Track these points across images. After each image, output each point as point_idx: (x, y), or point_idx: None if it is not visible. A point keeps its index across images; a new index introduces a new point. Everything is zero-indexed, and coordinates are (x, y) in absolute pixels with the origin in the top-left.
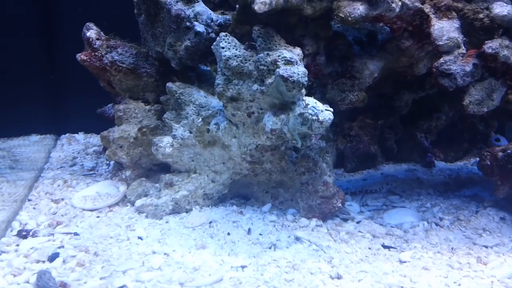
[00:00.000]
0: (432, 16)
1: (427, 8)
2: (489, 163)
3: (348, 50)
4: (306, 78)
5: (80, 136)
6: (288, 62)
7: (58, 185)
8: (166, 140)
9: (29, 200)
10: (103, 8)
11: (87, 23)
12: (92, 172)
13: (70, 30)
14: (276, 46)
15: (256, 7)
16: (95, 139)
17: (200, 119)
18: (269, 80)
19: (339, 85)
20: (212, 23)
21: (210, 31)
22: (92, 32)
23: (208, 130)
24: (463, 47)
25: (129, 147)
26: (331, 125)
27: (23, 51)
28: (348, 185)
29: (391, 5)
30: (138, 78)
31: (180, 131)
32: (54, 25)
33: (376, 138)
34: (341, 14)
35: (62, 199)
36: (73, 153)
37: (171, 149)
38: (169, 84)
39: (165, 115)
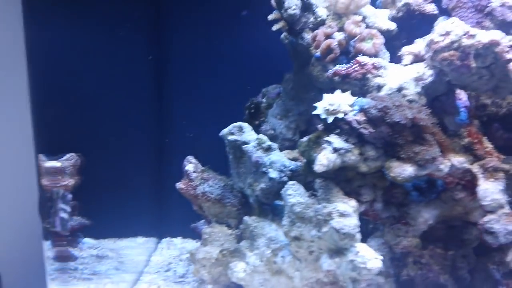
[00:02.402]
0: (480, 176)
1: (475, 169)
2: None
3: (405, 197)
4: (358, 229)
5: (178, 240)
6: (342, 214)
7: None
8: (240, 265)
9: None
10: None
11: (188, 157)
12: (182, 279)
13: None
14: (333, 198)
15: (315, 168)
16: (190, 244)
17: (270, 251)
18: (325, 229)
19: (395, 230)
20: (285, 169)
21: (282, 176)
22: (190, 165)
23: (275, 262)
24: (507, 207)
25: (211, 267)
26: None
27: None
28: None
29: (439, 166)
30: (223, 206)
31: (253, 259)
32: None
33: (447, 268)
34: (391, 174)
35: None
36: (169, 258)
37: (244, 274)
38: (245, 218)
39: (241, 243)
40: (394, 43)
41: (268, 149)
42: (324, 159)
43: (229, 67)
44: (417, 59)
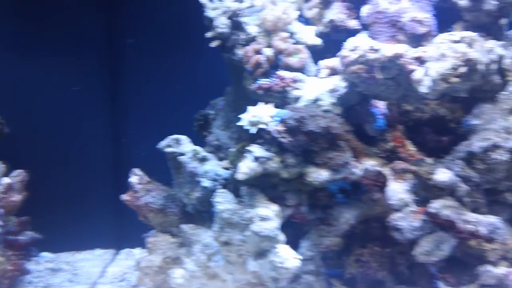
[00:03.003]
0: (390, 177)
1: (386, 171)
2: None
3: (330, 200)
4: (278, 232)
5: (137, 251)
6: (262, 219)
7: None
8: (178, 272)
9: None
10: None
11: (133, 169)
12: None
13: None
14: (257, 203)
15: (237, 176)
16: None
17: (205, 257)
18: (247, 233)
19: (318, 231)
20: (218, 178)
21: (216, 184)
22: (135, 178)
23: (210, 267)
24: (413, 206)
25: (154, 275)
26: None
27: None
28: None
29: (352, 170)
30: (166, 216)
31: (190, 265)
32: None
33: (386, 265)
34: (309, 179)
35: None
36: (125, 268)
37: (182, 280)
38: (182, 226)
39: (179, 250)
40: (326, 56)
41: (203, 160)
42: (245, 167)
43: (181, 80)
44: (333, 72)
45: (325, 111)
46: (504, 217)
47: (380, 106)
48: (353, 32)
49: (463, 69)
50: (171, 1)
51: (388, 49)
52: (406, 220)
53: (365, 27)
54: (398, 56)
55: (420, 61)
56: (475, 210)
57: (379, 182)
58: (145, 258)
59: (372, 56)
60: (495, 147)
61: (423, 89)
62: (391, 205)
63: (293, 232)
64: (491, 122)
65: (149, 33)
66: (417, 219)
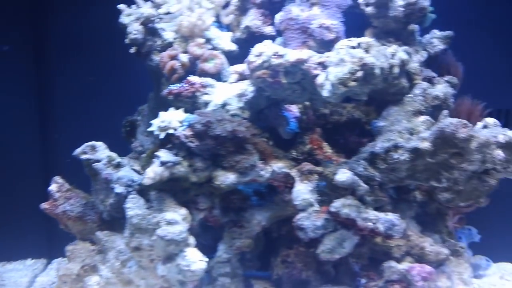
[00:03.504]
0: (297, 178)
1: (293, 172)
2: None
3: (244, 202)
4: (183, 235)
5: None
6: (169, 223)
7: None
8: (94, 279)
9: None
10: None
11: (54, 177)
12: None
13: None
14: (166, 208)
15: (144, 181)
16: None
17: (119, 263)
18: (154, 237)
19: (231, 233)
20: (133, 183)
21: (130, 190)
22: (54, 186)
23: (124, 273)
24: (316, 205)
25: (72, 283)
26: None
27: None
28: None
29: (259, 172)
30: (85, 223)
31: (105, 271)
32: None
33: (311, 264)
34: (216, 182)
35: None
36: (55, 277)
37: (97, 286)
38: (97, 233)
39: (95, 257)
40: (243, 62)
41: (118, 166)
42: (151, 172)
43: (111, 86)
44: (242, 77)
45: (233, 115)
46: (411, 215)
47: (293, 109)
48: (269, 38)
49: (359, 74)
50: (99, 6)
51: (292, 54)
52: (310, 220)
53: (280, 33)
54: (301, 62)
55: (323, 66)
56: (379, 208)
57: (289, 183)
58: (63, 267)
59: (276, 61)
60: (396, 147)
61: (324, 93)
62: (296, 206)
63: (213, 235)
64: (395, 124)
65: (78, 38)
66: (320, 219)
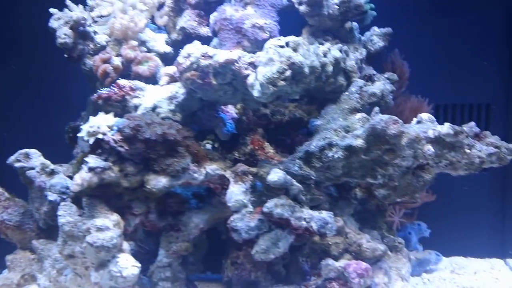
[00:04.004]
0: (231, 180)
1: (228, 174)
2: None
3: (182, 206)
4: (114, 241)
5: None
6: (99, 229)
7: None
8: None
9: None
10: None
11: None
12: None
13: None
14: (97, 214)
15: (72, 188)
16: None
17: (55, 271)
18: (84, 244)
19: (168, 237)
20: (67, 191)
21: (64, 197)
22: None
23: (60, 281)
24: (250, 206)
25: None
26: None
27: None
28: None
29: (193, 175)
30: (24, 232)
31: (43, 280)
32: None
33: (260, 265)
34: (148, 186)
35: None
36: None
37: None
38: (33, 242)
39: (34, 266)
40: None
41: (51, 173)
42: (79, 179)
43: (54, 93)
44: (173, 79)
45: (163, 118)
46: (350, 212)
47: (230, 110)
48: (206, 39)
49: (288, 73)
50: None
51: (221, 55)
52: (243, 221)
53: (216, 34)
54: (230, 62)
55: (254, 66)
56: (316, 207)
57: (226, 185)
58: (3, 276)
59: (205, 62)
60: (330, 145)
61: (255, 93)
62: (229, 207)
63: (155, 240)
64: (331, 122)
65: (20, 43)
66: (254, 219)
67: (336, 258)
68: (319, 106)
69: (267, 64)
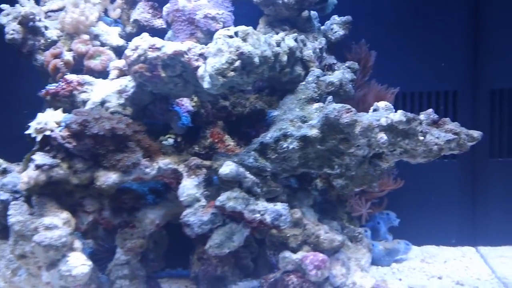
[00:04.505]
0: (184, 174)
1: (181, 168)
2: None
3: (137, 201)
4: (63, 240)
5: None
6: (47, 228)
7: None
8: None
9: None
10: None
11: None
12: None
13: None
14: (46, 212)
15: (19, 186)
16: None
17: (9, 272)
18: (32, 244)
19: (123, 234)
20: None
21: (17, 196)
22: None
23: (15, 281)
24: (203, 200)
25: None
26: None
27: None
28: None
29: (144, 170)
30: None
31: None
32: None
33: (227, 260)
34: (97, 183)
35: None
36: None
37: None
38: None
39: None
40: None
41: (4, 172)
42: (25, 177)
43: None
44: (123, 73)
45: (113, 112)
46: (309, 203)
47: (185, 103)
48: (161, 32)
49: (237, 63)
50: None
51: (169, 47)
52: (196, 215)
53: (170, 25)
54: (179, 54)
55: (205, 57)
56: (273, 199)
57: (181, 179)
58: None
59: (152, 54)
60: (285, 136)
61: (205, 84)
62: (182, 202)
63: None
64: (287, 112)
65: None
66: (207, 213)
67: (294, 250)
68: (279, 97)
69: (216, 55)
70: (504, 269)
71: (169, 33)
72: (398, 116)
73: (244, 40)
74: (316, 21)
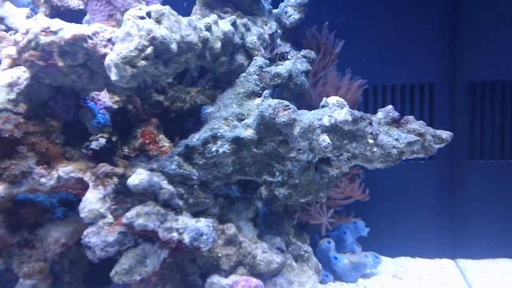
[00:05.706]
0: (91, 184)
1: (87, 177)
2: None
3: (41, 216)
4: None
5: None
6: None
7: None
8: None
9: None
10: None
11: None
12: None
13: None
14: None
15: None
16: None
17: None
18: None
19: (20, 256)
20: None
21: None
22: None
23: None
24: (110, 217)
25: None
26: None
27: None
28: None
29: (39, 180)
30: None
31: None
32: None
33: (170, 276)
34: None
35: None
36: None
37: None
38: None
39: None
40: None
41: None
42: None
43: None
44: (16, 62)
45: (0, 110)
46: (248, 216)
47: (103, 99)
48: (78, 14)
49: (149, 50)
50: None
51: (68, 30)
52: (99, 235)
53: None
54: (80, 39)
55: (113, 43)
56: (202, 212)
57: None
58: None
59: (46, 39)
60: (215, 138)
61: (112, 76)
62: (82, 219)
63: None
64: (222, 109)
65: None
66: (113, 233)
67: (227, 274)
68: (223, 91)
69: (124, 40)
70: None
71: (88, 16)
72: (343, 115)
73: (158, 22)
74: (267, 3)
